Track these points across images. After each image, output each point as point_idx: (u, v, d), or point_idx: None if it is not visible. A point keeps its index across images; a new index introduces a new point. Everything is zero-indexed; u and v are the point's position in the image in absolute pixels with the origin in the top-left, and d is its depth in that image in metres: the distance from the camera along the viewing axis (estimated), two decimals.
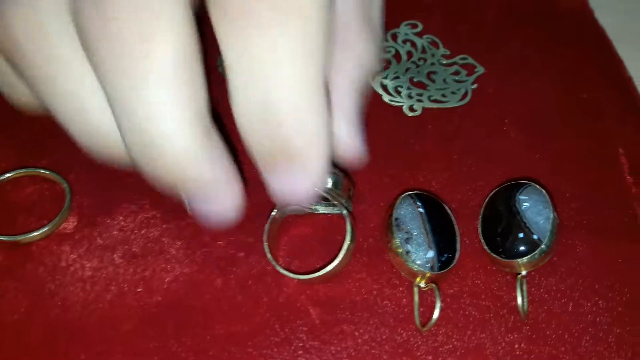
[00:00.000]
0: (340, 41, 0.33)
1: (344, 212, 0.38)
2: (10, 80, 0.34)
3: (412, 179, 0.43)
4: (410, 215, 0.38)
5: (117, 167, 0.34)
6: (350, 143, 0.35)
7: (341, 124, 0.34)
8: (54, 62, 0.30)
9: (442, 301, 0.37)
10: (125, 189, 0.43)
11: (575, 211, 0.41)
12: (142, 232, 0.41)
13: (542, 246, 0.37)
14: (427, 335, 0.37)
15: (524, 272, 0.37)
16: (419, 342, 0.36)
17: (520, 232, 0.37)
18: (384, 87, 0.49)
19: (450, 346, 0.36)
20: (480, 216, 0.40)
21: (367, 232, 0.41)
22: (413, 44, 0.51)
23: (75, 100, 0.31)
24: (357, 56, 0.35)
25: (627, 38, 0.52)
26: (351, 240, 0.38)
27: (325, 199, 0.39)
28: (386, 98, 0.48)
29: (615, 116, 0.47)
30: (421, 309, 0.37)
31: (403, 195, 0.39)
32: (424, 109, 0.47)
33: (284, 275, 0.38)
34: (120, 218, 0.41)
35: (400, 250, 0.37)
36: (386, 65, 0.50)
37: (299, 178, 0.31)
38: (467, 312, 0.37)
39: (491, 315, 0.37)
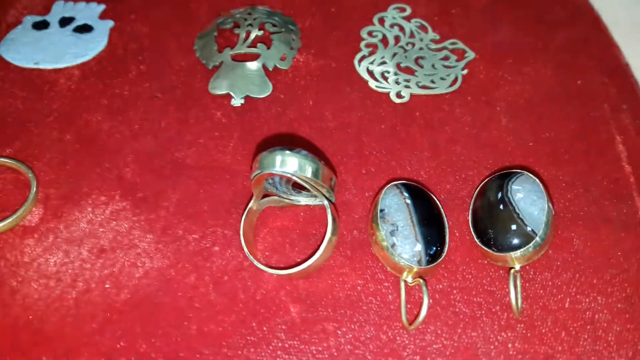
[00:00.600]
0: None
1: (326, 202, 0.37)
2: None
3: (399, 168, 0.42)
4: (396, 206, 0.36)
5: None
6: None
7: None
8: None
9: (430, 297, 0.36)
10: (95, 179, 0.41)
11: (572, 202, 0.40)
12: (112, 224, 0.39)
13: (537, 239, 0.35)
14: (414, 334, 0.35)
15: (517, 266, 0.36)
16: (406, 341, 0.35)
17: (513, 224, 0.36)
18: (370, 73, 0.47)
19: (439, 345, 0.35)
20: (471, 207, 0.38)
21: (350, 224, 0.39)
22: (401, 28, 0.50)
23: None
24: None
25: (623, 23, 0.51)
26: (333, 233, 0.36)
27: (306, 189, 0.37)
28: (372, 84, 0.46)
29: (612, 103, 0.45)
30: (408, 306, 0.36)
31: (389, 185, 0.37)
32: (411, 95, 0.45)
33: (262, 271, 0.36)
34: (89, 210, 0.39)
35: (385, 243, 0.35)
36: (373, 50, 0.48)
37: None
38: (457, 309, 0.36)
39: (483, 312, 0.36)
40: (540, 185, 0.36)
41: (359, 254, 0.38)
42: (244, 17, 0.49)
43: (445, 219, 0.37)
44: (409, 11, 0.51)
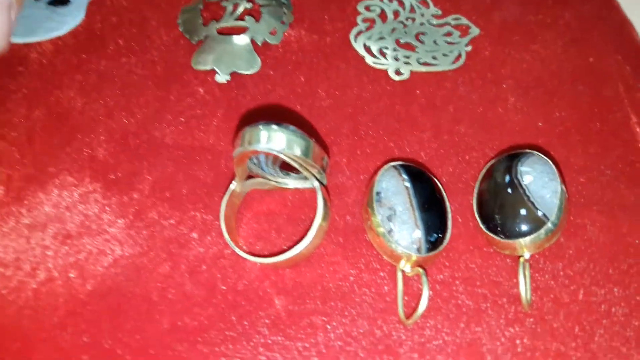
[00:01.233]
0: None
1: (316, 184, 0.34)
2: None
3: (397, 149, 0.39)
4: (394, 188, 0.34)
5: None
6: None
7: None
8: None
9: (430, 288, 0.34)
10: (64, 159, 0.38)
11: (584, 186, 0.38)
12: (79, 208, 0.36)
13: (549, 224, 0.33)
14: (412, 329, 0.33)
15: (527, 255, 0.34)
16: (403, 337, 0.33)
17: (523, 208, 0.33)
18: (367, 49, 0.44)
19: (440, 341, 0.33)
20: (475, 191, 0.36)
21: (343, 208, 0.37)
22: (400, 2, 0.47)
23: None
24: None
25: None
26: (324, 218, 0.34)
27: (294, 170, 0.34)
28: (369, 60, 0.44)
29: (626, 82, 0.43)
30: (406, 298, 0.34)
31: (386, 167, 0.35)
32: (411, 72, 0.43)
33: (244, 259, 0.34)
34: (55, 192, 0.37)
35: (381, 229, 0.33)
36: (370, 25, 0.46)
37: None
38: (459, 302, 0.34)
39: (488, 305, 0.34)
40: (553, 166, 0.34)
41: (352, 241, 0.36)
42: None
43: (447, 203, 0.35)
44: None
